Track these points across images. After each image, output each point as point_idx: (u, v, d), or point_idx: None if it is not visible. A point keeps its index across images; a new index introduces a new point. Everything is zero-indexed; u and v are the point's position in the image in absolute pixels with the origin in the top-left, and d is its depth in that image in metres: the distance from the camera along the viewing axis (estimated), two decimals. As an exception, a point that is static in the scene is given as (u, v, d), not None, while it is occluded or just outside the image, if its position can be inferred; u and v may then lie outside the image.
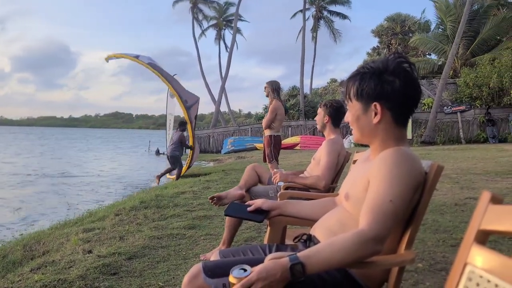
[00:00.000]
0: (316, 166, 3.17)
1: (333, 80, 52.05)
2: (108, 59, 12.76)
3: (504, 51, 19.79)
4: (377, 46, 45.76)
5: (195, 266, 1.38)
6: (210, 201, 3.06)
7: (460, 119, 19.26)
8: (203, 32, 43.09)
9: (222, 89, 37.83)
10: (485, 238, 0.72)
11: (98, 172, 15.84)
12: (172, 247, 3.68)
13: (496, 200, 0.72)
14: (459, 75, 21.48)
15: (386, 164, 1.29)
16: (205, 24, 42.97)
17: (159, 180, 11.55)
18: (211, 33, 45.35)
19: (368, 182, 1.32)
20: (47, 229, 5.21)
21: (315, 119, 3.34)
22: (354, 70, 1.45)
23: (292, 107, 28.03)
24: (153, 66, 12.20)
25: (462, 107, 19.37)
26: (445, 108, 19.58)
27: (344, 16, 39.46)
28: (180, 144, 11.59)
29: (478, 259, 0.71)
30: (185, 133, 12.14)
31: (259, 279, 1.10)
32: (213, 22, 43.08)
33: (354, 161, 2.66)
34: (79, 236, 4.16)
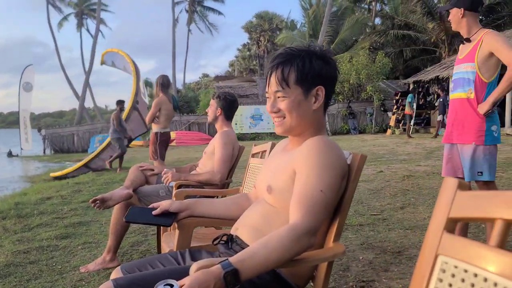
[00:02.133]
0: (208, 160, 3.06)
1: (205, 75, 52.46)
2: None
3: (360, 50, 22.10)
4: (247, 42, 47.37)
5: (104, 285, 1.18)
6: (92, 204, 2.73)
7: (326, 112, 20.98)
8: (62, 21, 39.60)
9: (86, 83, 35.36)
10: (454, 227, 0.70)
11: None
12: (43, 261, 3.23)
13: (463, 186, 0.69)
14: (323, 71, 23.33)
15: (313, 153, 1.24)
16: (66, 12, 39.56)
17: (110, 165, 10.31)
18: (73, 22, 41.71)
19: (294, 172, 1.26)
20: None
21: (206, 111, 3.21)
22: (277, 54, 1.35)
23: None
24: (135, 65, 11.61)
25: (327, 102, 21.15)
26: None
27: (218, 12, 39.88)
28: (116, 124, 9.99)
29: (451, 248, 0.68)
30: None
31: None
32: (74, 10, 39.85)
33: (253, 155, 2.62)
34: None
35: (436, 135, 14.00)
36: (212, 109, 3.08)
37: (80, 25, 40.96)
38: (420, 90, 18.23)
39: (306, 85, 1.31)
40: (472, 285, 0.64)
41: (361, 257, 2.97)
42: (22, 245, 3.65)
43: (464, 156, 2.90)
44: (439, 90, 15.11)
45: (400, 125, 17.45)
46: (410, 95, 15.62)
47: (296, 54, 1.32)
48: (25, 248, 3.54)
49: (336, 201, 1.27)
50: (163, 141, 5.94)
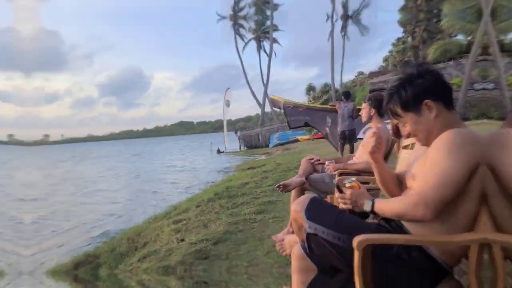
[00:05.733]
0: (366, 152, 3.08)
1: (360, 73, 50.31)
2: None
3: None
4: (402, 35, 43.56)
5: (304, 197, 1.50)
6: (278, 189, 3.06)
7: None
8: (245, 45, 43.10)
9: (265, 94, 38.16)
10: None
11: (174, 172, 16.35)
12: (248, 230, 3.67)
13: None
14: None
15: (438, 144, 1.27)
16: (249, 37, 42.94)
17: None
18: (253, 45, 44.75)
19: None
20: (142, 223, 5.31)
21: (360, 113, 3.22)
22: (383, 94, 1.47)
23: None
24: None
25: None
26: (475, 85, 18.28)
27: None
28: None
29: None
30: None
31: (351, 199, 1.40)
32: (253, 35, 42.88)
33: (404, 146, 2.56)
34: (171, 227, 4.22)
35: None
36: (366, 110, 3.11)
37: (259, 47, 43.94)
38: None
39: (412, 107, 1.34)
40: None
41: None
42: (233, 218, 4.20)
43: None
44: None
45: None
46: None
47: (394, 88, 1.38)
48: (235, 220, 4.06)
49: (460, 184, 1.20)
50: None
